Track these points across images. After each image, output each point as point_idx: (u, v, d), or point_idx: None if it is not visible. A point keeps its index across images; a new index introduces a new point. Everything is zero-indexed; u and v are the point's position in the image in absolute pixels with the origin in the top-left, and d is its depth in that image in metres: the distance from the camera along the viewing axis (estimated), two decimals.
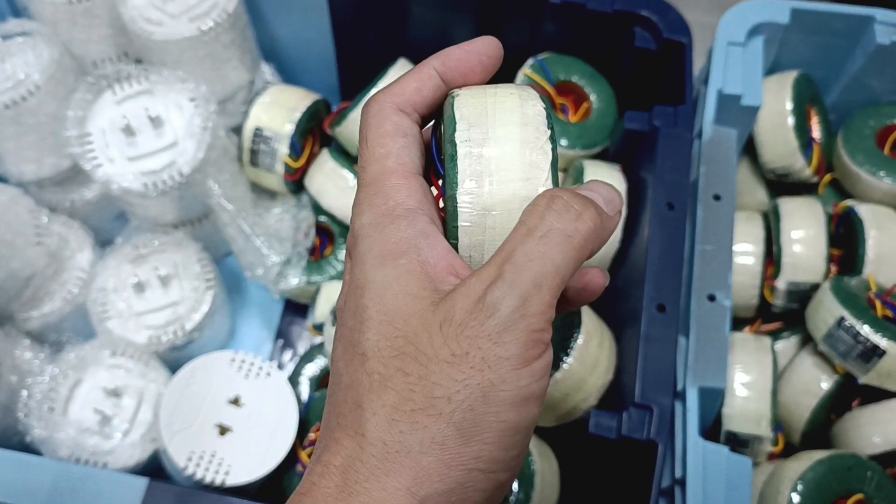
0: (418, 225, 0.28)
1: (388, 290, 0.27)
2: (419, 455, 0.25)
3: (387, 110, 0.30)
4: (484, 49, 0.31)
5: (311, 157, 0.73)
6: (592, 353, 0.57)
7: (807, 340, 0.65)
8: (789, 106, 0.67)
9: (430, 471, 0.25)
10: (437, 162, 0.31)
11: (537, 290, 0.26)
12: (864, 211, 0.65)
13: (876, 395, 0.60)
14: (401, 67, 0.71)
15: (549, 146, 0.29)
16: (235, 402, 0.59)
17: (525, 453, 0.27)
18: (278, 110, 0.69)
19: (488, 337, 0.25)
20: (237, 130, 0.71)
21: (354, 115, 0.69)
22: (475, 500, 0.26)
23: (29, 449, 0.59)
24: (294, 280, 0.69)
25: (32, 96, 0.62)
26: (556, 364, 0.55)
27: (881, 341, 0.57)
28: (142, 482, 0.50)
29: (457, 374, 0.25)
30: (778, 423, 0.60)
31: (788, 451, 0.61)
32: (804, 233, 0.65)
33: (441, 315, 0.26)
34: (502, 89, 0.31)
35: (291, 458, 0.59)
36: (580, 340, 0.56)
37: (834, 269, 0.66)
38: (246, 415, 0.59)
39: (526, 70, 0.68)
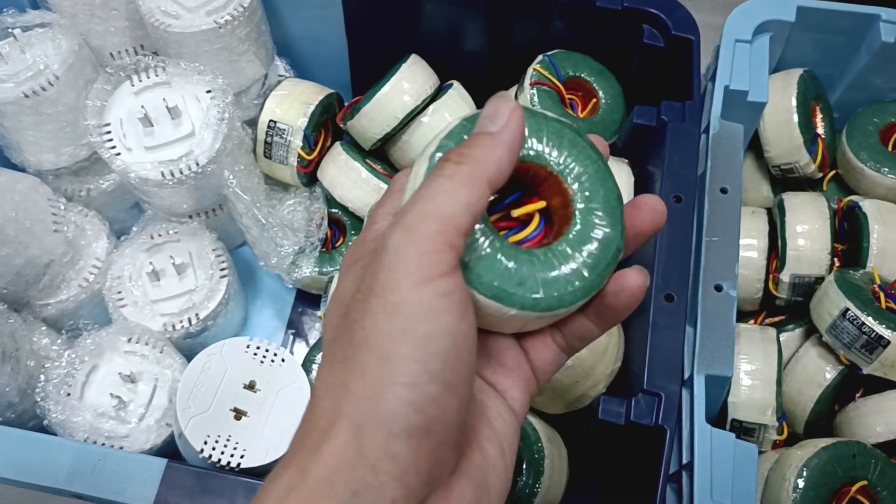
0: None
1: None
2: (350, 385, 0.27)
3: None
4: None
5: (324, 150, 0.74)
6: (602, 340, 0.58)
7: (810, 333, 0.66)
8: (794, 103, 0.68)
9: (358, 395, 0.26)
10: None
11: (422, 220, 0.28)
12: (867, 206, 0.66)
13: (879, 384, 0.61)
14: (412, 63, 0.72)
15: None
16: (251, 387, 0.60)
17: (463, 374, 0.28)
18: (292, 104, 0.70)
19: (384, 267, 0.27)
20: (251, 123, 0.72)
21: (366, 110, 0.70)
22: (406, 416, 0.26)
23: (46, 432, 0.60)
24: (307, 270, 0.70)
25: (52, 86, 0.63)
26: None
27: (885, 332, 0.58)
28: (160, 462, 0.51)
29: (367, 307, 0.27)
30: (783, 413, 0.61)
31: (792, 440, 0.62)
32: (809, 227, 0.66)
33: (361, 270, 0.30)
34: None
35: None
36: None
37: (837, 263, 0.67)
38: (261, 399, 0.60)
39: (536, 66, 0.69)
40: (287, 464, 0.27)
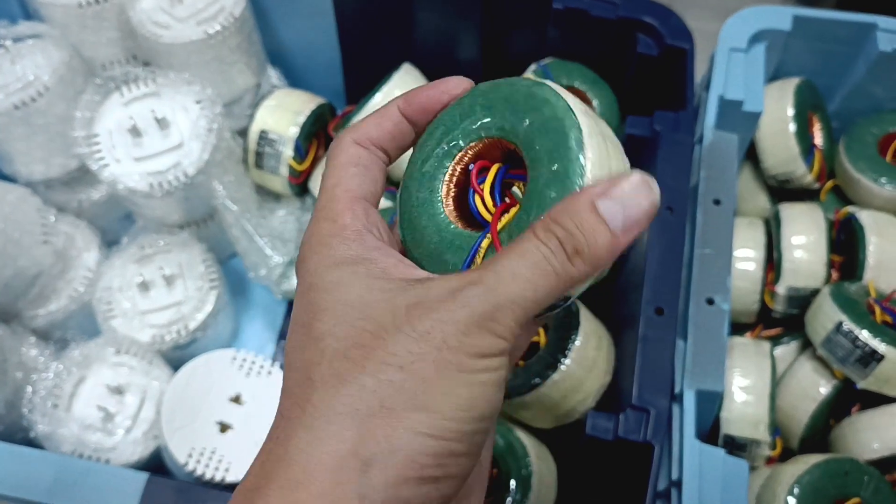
0: (368, 241, 0.30)
1: (351, 288, 0.28)
2: (366, 417, 0.26)
3: (344, 144, 0.32)
4: (452, 88, 0.32)
5: (316, 160, 0.74)
6: (590, 354, 0.57)
7: (806, 346, 0.65)
8: (791, 112, 0.67)
9: (375, 432, 0.25)
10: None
11: (511, 304, 0.26)
12: (865, 217, 0.65)
13: (876, 399, 0.60)
14: (405, 72, 0.71)
15: None
16: (236, 399, 0.60)
17: (486, 435, 0.28)
18: (283, 114, 0.70)
19: (454, 323, 0.26)
20: (243, 133, 0.72)
21: (359, 119, 0.70)
22: (424, 464, 0.26)
23: (33, 444, 0.60)
24: (296, 281, 0.70)
25: (42, 97, 0.63)
26: (554, 365, 0.56)
27: (879, 346, 0.57)
28: (142, 477, 0.50)
29: (414, 347, 0.26)
30: (776, 428, 0.60)
31: (787, 455, 0.61)
32: (805, 238, 0.65)
33: (410, 298, 0.27)
34: None
35: None
36: (578, 342, 0.56)
37: (835, 274, 0.66)
38: (246, 412, 0.60)
39: (529, 75, 0.69)
40: (271, 477, 0.26)
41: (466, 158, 0.32)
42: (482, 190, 0.31)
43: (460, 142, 0.31)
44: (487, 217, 0.31)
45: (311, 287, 0.29)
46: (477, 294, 0.26)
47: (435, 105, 0.33)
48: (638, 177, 0.27)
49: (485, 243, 0.29)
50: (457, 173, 0.32)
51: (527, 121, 0.29)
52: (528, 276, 0.27)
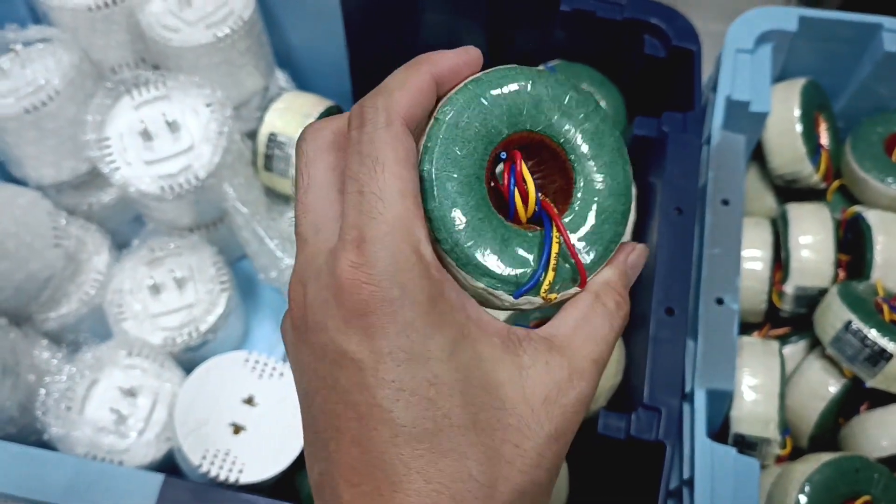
0: (452, 284, 0.28)
1: (467, 359, 0.27)
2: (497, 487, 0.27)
3: (397, 130, 0.27)
4: (471, 60, 0.30)
5: None
6: None
7: (814, 345, 0.65)
8: (797, 112, 0.67)
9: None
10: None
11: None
12: (871, 217, 0.65)
13: (885, 397, 0.60)
14: None
15: None
16: (249, 401, 0.60)
17: None
18: (292, 116, 0.70)
19: (576, 423, 0.29)
20: (252, 136, 0.72)
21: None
22: None
23: (46, 447, 0.60)
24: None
25: (52, 101, 0.64)
26: None
27: (888, 345, 0.57)
28: (158, 478, 0.51)
29: (555, 448, 0.28)
30: (786, 427, 0.60)
31: (796, 454, 0.61)
32: (812, 238, 0.65)
33: (541, 390, 0.28)
34: None
35: (304, 457, 0.60)
36: None
37: (842, 274, 0.67)
38: (259, 414, 0.60)
39: None
40: None
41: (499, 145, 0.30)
42: (525, 185, 0.30)
43: (504, 130, 0.30)
44: (522, 212, 0.30)
45: (430, 358, 0.26)
46: (588, 394, 0.29)
47: (459, 77, 0.30)
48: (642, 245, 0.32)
49: (555, 249, 0.29)
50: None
51: (580, 128, 0.30)
52: (607, 359, 0.30)
